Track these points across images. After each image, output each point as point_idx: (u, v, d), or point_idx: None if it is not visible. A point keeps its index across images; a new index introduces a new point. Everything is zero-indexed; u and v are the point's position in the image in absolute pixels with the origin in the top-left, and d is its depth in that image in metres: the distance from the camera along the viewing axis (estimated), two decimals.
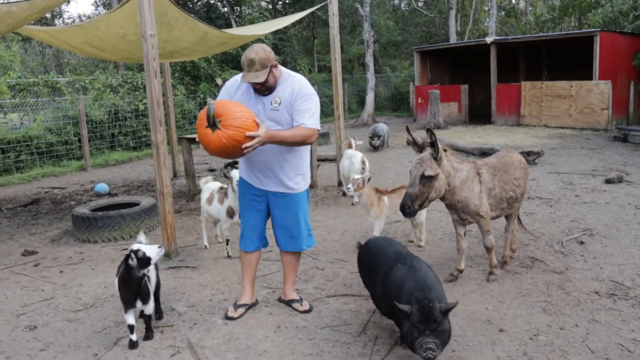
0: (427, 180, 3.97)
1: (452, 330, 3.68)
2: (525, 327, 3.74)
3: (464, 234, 4.59)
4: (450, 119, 18.08)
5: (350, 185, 5.35)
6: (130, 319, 3.57)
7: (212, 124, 3.37)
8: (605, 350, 3.41)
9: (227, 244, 5.46)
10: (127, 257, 3.44)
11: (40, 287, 4.87)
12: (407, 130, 4.29)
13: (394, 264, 3.40)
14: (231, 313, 4.04)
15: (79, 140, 12.36)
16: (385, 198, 5.32)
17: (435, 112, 16.42)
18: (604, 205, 6.83)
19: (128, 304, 3.54)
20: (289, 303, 4.24)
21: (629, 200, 7.01)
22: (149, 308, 3.65)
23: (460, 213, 4.40)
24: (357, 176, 5.48)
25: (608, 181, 8.09)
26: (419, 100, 19.41)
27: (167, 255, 5.46)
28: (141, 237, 3.68)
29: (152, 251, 3.49)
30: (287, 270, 4.25)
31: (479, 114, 19.14)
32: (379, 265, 3.57)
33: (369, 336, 3.67)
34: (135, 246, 3.49)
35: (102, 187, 9.13)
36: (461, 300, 4.22)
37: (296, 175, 3.96)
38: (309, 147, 4.03)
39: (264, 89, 3.73)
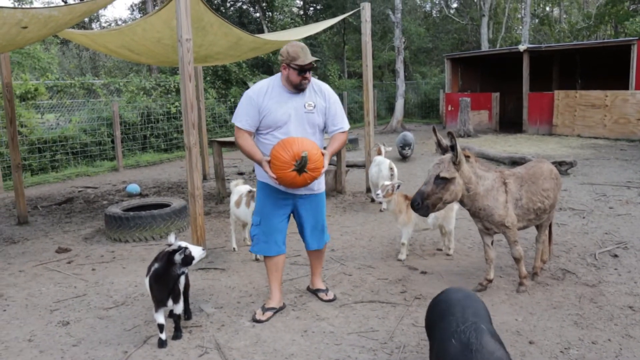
0: (441, 181, 3.99)
1: None
2: (556, 340, 3.68)
3: (492, 244, 4.54)
4: (480, 127, 17.89)
5: (379, 191, 5.35)
6: (161, 318, 3.63)
7: (302, 170, 3.72)
8: None
9: None
10: (174, 251, 3.51)
11: (73, 284, 4.98)
12: (434, 131, 4.34)
13: (451, 335, 2.61)
14: (259, 316, 4.07)
15: (112, 141, 12.62)
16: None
17: (466, 119, 16.27)
18: (639, 218, 6.67)
19: (160, 303, 3.60)
20: (315, 292, 4.49)
21: None
22: (179, 308, 3.71)
23: (485, 222, 4.35)
24: (386, 182, 5.48)
25: None
26: (449, 108, 19.26)
27: None
28: (171, 238, 3.72)
29: (197, 252, 3.61)
30: (315, 265, 4.47)
31: (510, 123, 18.89)
32: (436, 330, 2.84)
33: (396, 343, 3.66)
34: (182, 243, 3.57)
35: (134, 187, 9.30)
36: (490, 311, 4.16)
37: (321, 176, 4.12)
38: None
39: (307, 82, 3.94)
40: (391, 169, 7.36)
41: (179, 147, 14.36)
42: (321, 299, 4.39)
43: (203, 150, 10.32)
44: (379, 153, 8.08)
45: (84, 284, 4.97)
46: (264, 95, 3.96)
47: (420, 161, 12.16)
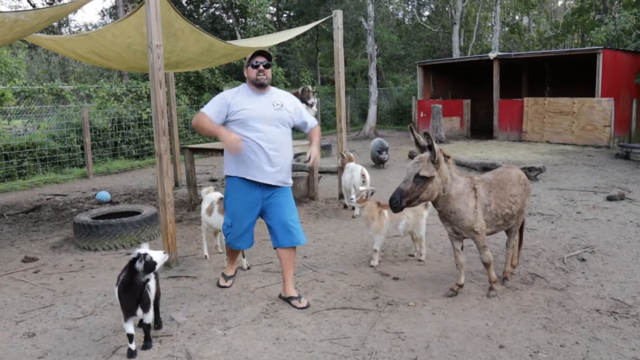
0: (421, 180, 4.05)
1: (453, 345, 3.68)
2: (525, 344, 3.73)
3: (461, 249, 4.58)
4: (452, 133, 18.13)
5: (353, 196, 5.42)
6: (130, 327, 3.56)
7: None
8: None
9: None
10: (134, 260, 3.45)
11: (40, 294, 4.86)
12: (411, 129, 4.42)
13: None
14: (223, 283, 4.81)
15: (82, 148, 12.40)
16: (385, 212, 5.31)
17: (438, 126, 16.46)
18: (606, 223, 6.82)
19: (129, 312, 3.53)
20: (288, 300, 4.47)
21: (630, 218, 7.00)
22: (149, 317, 3.65)
23: (454, 226, 4.39)
24: (362, 188, 5.52)
25: (610, 198, 8.09)
26: (421, 114, 19.46)
27: (167, 265, 5.46)
28: (144, 247, 3.65)
29: (158, 256, 3.54)
30: (287, 267, 4.48)
31: (481, 129, 19.19)
32: None
33: (368, 350, 3.66)
34: (142, 250, 3.51)
35: (104, 195, 9.14)
36: (461, 316, 4.20)
37: (289, 170, 4.44)
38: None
39: (264, 76, 4.27)
40: (363, 175, 7.40)
41: (151, 153, 14.19)
42: (294, 307, 4.39)
43: (175, 157, 10.21)
44: (350, 160, 8.10)
45: (51, 294, 4.85)
46: (235, 94, 4.30)
47: (393, 168, 12.23)
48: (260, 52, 4.31)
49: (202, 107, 4.37)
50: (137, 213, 6.63)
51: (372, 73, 20.71)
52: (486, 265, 4.51)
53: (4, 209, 8.70)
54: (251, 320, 4.18)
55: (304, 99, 7.97)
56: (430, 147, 4.09)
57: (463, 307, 4.37)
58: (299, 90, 8.29)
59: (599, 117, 14.85)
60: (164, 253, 3.59)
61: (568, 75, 18.69)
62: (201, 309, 4.42)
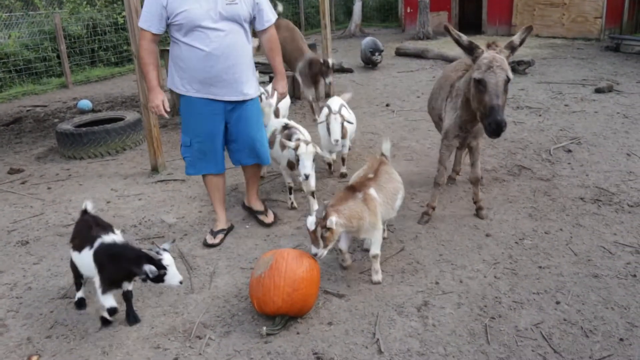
0: (507, 86, 3.33)
1: (441, 236, 3.76)
2: (511, 232, 3.82)
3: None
4: (439, 29, 17.54)
5: (338, 136, 4.54)
6: (111, 300, 2.89)
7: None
8: (587, 252, 3.51)
9: (290, 193, 4.50)
10: (149, 259, 2.74)
11: (29, 204, 4.85)
12: (447, 29, 3.52)
13: None
14: (210, 240, 3.82)
15: (58, 57, 11.92)
16: (372, 191, 3.28)
17: (425, 21, 15.95)
18: (593, 115, 6.81)
19: (112, 285, 2.88)
20: (254, 214, 4.15)
21: (617, 110, 6.98)
22: (131, 285, 2.98)
23: (470, 136, 3.90)
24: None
25: (598, 90, 8.03)
26: (408, 10, 18.78)
27: (154, 169, 5.43)
28: (166, 245, 2.90)
29: (173, 279, 2.78)
30: (252, 182, 4.11)
31: (469, 24, 18.59)
32: None
33: (358, 242, 3.73)
34: (167, 260, 2.77)
35: (85, 103, 8.91)
36: (449, 207, 4.27)
37: (250, 78, 3.70)
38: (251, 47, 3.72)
39: None
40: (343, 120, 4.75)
41: (130, 59, 13.67)
42: (263, 222, 4.07)
43: None
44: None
45: (40, 203, 4.85)
46: None
47: (382, 67, 11.33)
48: None
49: None
50: (121, 119, 6.49)
51: None
52: (478, 181, 4.09)
53: None
54: (241, 219, 4.22)
55: (321, 72, 6.86)
56: (522, 43, 3.41)
57: (450, 199, 4.43)
58: (321, 59, 6.89)
59: (590, 8, 14.42)
60: (180, 282, 2.81)
61: None
62: (191, 210, 4.45)
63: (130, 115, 6.54)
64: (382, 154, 3.69)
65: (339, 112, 4.59)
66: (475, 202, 4.12)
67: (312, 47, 13.94)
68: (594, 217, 4.01)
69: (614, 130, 6.11)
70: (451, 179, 4.77)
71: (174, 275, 2.76)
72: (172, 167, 5.60)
